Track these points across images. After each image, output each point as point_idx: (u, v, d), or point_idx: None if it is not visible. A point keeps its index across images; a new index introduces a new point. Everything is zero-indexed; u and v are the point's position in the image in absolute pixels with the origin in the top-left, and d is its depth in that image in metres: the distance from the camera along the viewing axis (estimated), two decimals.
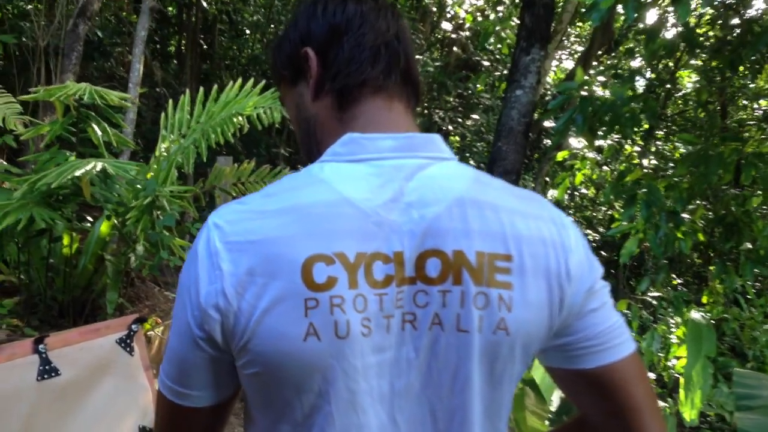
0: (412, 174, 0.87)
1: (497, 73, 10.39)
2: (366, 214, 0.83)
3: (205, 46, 10.97)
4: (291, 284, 0.79)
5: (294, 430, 0.86)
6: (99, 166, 3.14)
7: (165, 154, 4.13)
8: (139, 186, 3.31)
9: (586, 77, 3.67)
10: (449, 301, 0.84)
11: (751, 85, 8.90)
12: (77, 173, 3.03)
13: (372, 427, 0.86)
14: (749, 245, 4.30)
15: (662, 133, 9.89)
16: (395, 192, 0.85)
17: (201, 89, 4.35)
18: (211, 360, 0.86)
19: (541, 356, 0.98)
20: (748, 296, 5.29)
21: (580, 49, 11.48)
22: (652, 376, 4.44)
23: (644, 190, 3.58)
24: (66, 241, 4.25)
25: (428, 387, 0.86)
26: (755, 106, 9.48)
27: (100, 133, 3.80)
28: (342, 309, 0.81)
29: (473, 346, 0.85)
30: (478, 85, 9.21)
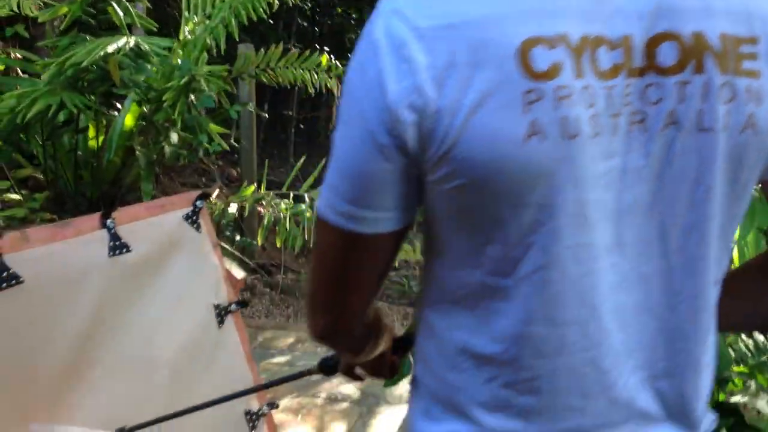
0: None
1: None
2: None
3: None
4: (504, 74, 0.63)
5: (506, 252, 0.72)
6: (132, 41, 2.91)
7: (190, 37, 3.87)
8: (176, 65, 3.07)
9: None
10: (689, 94, 0.67)
11: None
12: (109, 49, 2.80)
13: (599, 246, 0.71)
14: None
15: None
16: None
17: None
18: (398, 173, 0.70)
19: None
20: None
21: None
22: None
23: None
24: (92, 132, 4.05)
25: (660, 202, 0.71)
26: None
27: (122, 13, 3.53)
28: (571, 102, 0.65)
29: (718, 149, 0.69)
30: None
